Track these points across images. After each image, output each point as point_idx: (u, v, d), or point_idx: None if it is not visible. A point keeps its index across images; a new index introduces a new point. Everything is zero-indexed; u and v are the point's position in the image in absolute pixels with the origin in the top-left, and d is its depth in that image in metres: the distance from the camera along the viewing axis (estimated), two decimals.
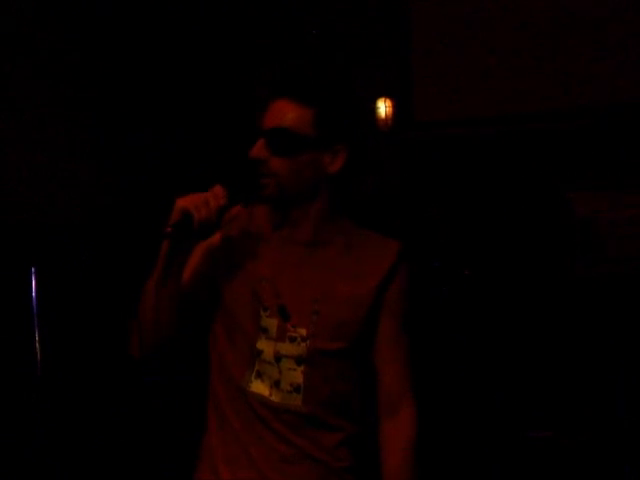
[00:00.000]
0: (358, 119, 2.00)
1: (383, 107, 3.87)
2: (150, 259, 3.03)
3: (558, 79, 3.65)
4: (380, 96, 3.82)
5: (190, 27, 3.75)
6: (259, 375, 1.92)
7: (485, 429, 3.26)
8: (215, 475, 1.94)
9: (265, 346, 1.91)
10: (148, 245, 3.29)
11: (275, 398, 1.91)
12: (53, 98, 3.49)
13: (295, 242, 1.94)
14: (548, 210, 3.50)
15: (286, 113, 1.88)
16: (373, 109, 3.85)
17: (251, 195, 1.91)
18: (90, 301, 3.40)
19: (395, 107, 3.82)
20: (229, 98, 3.77)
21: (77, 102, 3.54)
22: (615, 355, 3.29)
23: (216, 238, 1.95)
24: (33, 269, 3.07)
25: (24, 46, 3.37)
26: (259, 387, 1.92)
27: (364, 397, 1.96)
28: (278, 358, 1.91)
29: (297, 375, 1.92)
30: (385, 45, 3.78)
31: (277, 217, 1.95)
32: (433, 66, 3.76)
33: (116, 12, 3.56)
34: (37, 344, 3.09)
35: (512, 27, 3.67)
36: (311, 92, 1.93)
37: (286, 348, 1.91)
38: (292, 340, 1.92)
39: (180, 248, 1.87)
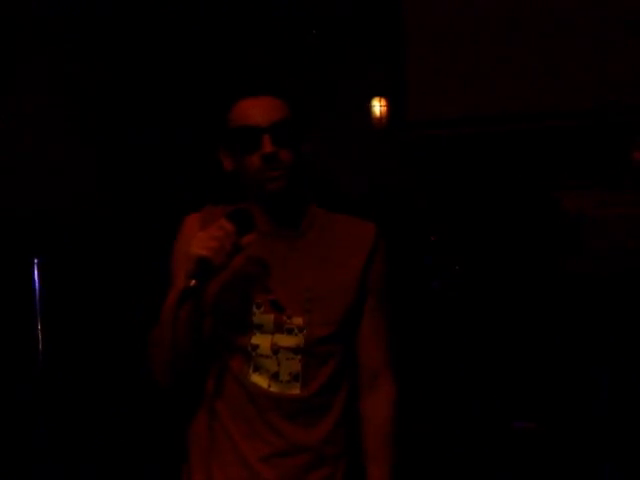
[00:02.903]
0: (311, 106, 2.09)
1: (378, 106, 3.91)
2: (150, 253, 3.10)
3: (547, 81, 3.69)
4: (374, 95, 3.86)
5: (190, 28, 3.78)
6: (257, 369, 1.93)
7: (469, 420, 3.29)
8: (208, 477, 1.95)
9: (261, 340, 1.93)
10: (148, 239, 3.36)
11: (274, 389, 1.92)
12: (54, 96, 3.52)
13: (279, 236, 1.95)
14: (535, 208, 3.54)
15: (278, 108, 1.90)
16: (368, 108, 3.89)
17: (253, 221, 1.85)
18: (92, 292, 3.39)
19: (389, 106, 3.86)
20: (228, 98, 3.79)
21: (79, 100, 3.58)
22: (599, 349, 3.32)
23: None
24: (36, 261, 3.09)
25: (24, 48, 3.40)
26: (258, 380, 1.93)
27: (353, 376, 1.98)
28: (276, 350, 1.93)
29: (295, 364, 1.93)
30: (379, 45, 3.80)
31: (266, 214, 1.93)
32: (426, 67, 3.78)
33: (117, 12, 3.57)
34: (39, 335, 3.11)
35: (504, 28, 3.72)
36: (283, 87, 1.96)
37: (284, 340, 1.92)
38: (289, 332, 1.94)
39: (201, 291, 1.81)
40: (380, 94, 3.88)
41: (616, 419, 3.21)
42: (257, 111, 1.91)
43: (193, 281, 1.73)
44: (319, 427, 1.96)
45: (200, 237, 1.79)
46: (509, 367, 3.37)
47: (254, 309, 1.93)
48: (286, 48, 3.74)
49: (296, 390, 1.94)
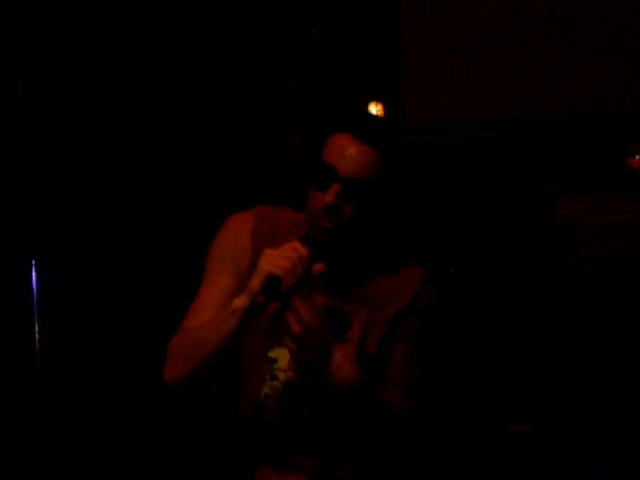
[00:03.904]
0: (404, 162, 1.97)
1: (374, 111, 3.92)
2: (149, 253, 3.09)
3: (544, 87, 3.69)
4: (371, 100, 3.87)
5: (189, 29, 3.78)
6: (272, 380, 1.92)
7: (464, 422, 3.30)
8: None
9: (279, 354, 1.91)
10: (147, 239, 3.37)
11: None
12: (53, 94, 3.51)
13: (324, 281, 1.87)
14: (531, 213, 3.56)
15: (368, 163, 1.80)
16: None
17: (326, 251, 1.78)
18: (90, 293, 3.38)
19: (386, 111, 3.86)
20: (227, 99, 3.80)
21: (79, 99, 3.57)
22: (594, 352, 3.33)
23: None
24: (34, 261, 3.09)
25: (24, 48, 3.40)
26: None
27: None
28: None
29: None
30: (376, 49, 3.80)
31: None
32: (424, 72, 3.78)
33: (117, 13, 3.57)
34: (37, 336, 3.11)
35: (502, 32, 3.71)
36: (387, 143, 1.85)
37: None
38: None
39: (260, 312, 1.76)
40: (378, 99, 3.88)
41: (613, 423, 3.23)
42: (344, 155, 1.81)
43: (261, 297, 1.68)
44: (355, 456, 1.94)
45: (272, 254, 1.73)
46: (504, 370, 3.39)
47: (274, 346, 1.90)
48: (285, 49, 3.73)
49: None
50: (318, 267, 1.77)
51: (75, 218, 3.39)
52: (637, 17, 3.59)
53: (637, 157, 3.53)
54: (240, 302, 1.72)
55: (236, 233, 1.93)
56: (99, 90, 3.58)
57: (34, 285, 3.09)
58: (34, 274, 3.09)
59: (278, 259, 1.70)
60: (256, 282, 1.69)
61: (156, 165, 3.63)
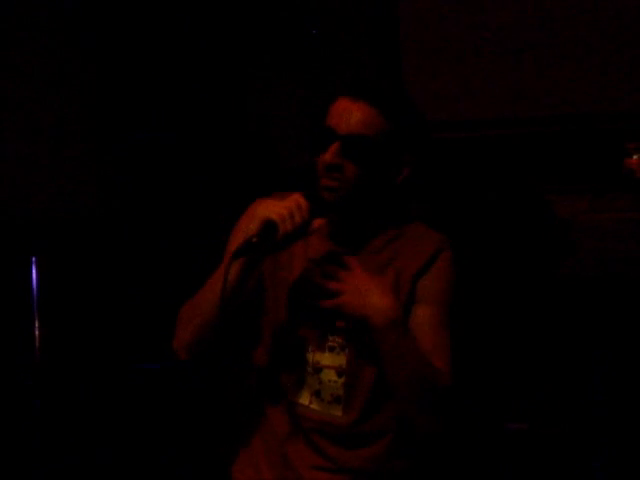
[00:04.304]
0: (424, 131, 2.00)
1: None
2: (148, 251, 3.10)
3: (542, 86, 3.70)
4: None
5: (185, 27, 3.78)
6: (303, 385, 1.90)
7: (461, 420, 3.31)
8: (258, 473, 1.93)
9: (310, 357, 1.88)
10: (147, 237, 3.37)
11: (315, 407, 1.89)
12: (53, 93, 3.53)
13: (346, 253, 1.88)
14: (528, 211, 3.56)
15: (365, 119, 1.80)
16: None
17: (326, 209, 1.79)
18: (90, 291, 3.38)
19: None
20: (225, 97, 3.80)
21: (79, 98, 3.59)
22: (590, 351, 3.34)
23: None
24: (33, 259, 3.09)
25: (24, 47, 3.41)
26: (302, 397, 1.90)
27: None
28: (318, 369, 1.89)
29: (337, 386, 1.87)
30: (373, 48, 3.80)
31: (329, 227, 1.88)
32: (422, 70, 3.79)
33: (114, 12, 3.57)
34: (36, 334, 3.11)
35: (499, 32, 3.72)
36: (388, 101, 1.84)
37: (325, 358, 1.88)
38: (331, 350, 1.89)
39: (257, 260, 1.75)
40: None
41: (609, 421, 3.24)
42: (342, 115, 1.82)
43: (255, 238, 1.68)
44: (362, 452, 1.92)
45: (270, 202, 1.75)
46: (501, 368, 3.39)
47: (302, 318, 1.87)
48: (284, 49, 3.73)
49: (338, 412, 1.89)
50: (318, 221, 1.79)
51: (75, 216, 3.40)
52: (632, 16, 3.59)
53: (634, 157, 3.53)
54: (234, 246, 1.72)
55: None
56: (99, 90, 3.60)
57: (34, 283, 3.09)
58: (34, 272, 3.09)
59: (276, 206, 1.72)
60: (253, 225, 1.70)
61: (155, 164, 3.64)
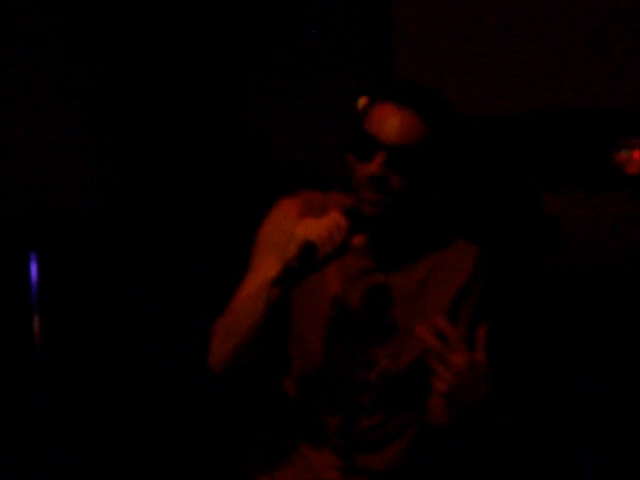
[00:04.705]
0: (464, 138, 1.94)
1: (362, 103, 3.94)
2: (148, 246, 3.09)
3: (535, 81, 3.72)
4: (361, 95, 3.89)
5: (185, 27, 3.79)
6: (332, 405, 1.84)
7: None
8: (271, 477, 1.91)
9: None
10: (147, 232, 3.37)
11: (339, 414, 1.84)
12: (53, 89, 3.54)
13: (378, 270, 1.82)
14: (518, 206, 3.59)
15: (413, 130, 1.72)
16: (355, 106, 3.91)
17: (366, 224, 1.71)
18: (90, 286, 3.37)
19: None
20: (225, 97, 3.81)
21: (79, 94, 3.60)
22: (580, 345, 3.38)
23: None
24: (33, 254, 3.09)
25: (24, 47, 3.44)
26: (328, 416, 1.85)
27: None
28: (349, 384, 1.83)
29: (364, 398, 1.84)
30: (367, 48, 3.83)
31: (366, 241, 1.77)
32: (416, 66, 3.80)
33: (115, 11, 3.57)
34: (36, 328, 3.11)
35: (494, 30, 3.74)
36: (433, 108, 1.77)
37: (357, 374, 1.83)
38: (362, 365, 1.83)
39: (295, 283, 1.69)
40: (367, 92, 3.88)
41: (599, 415, 3.27)
42: (388, 123, 1.72)
43: (294, 262, 1.62)
44: (385, 453, 1.90)
45: (309, 223, 1.67)
46: (491, 363, 3.42)
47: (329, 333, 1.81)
48: (282, 49, 3.74)
49: (362, 418, 1.87)
50: (358, 239, 1.71)
51: (74, 211, 3.39)
52: (626, 13, 3.61)
53: (623, 152, 3.55)
54: (274, 270, 1.66)
55: (282, 218, 1.84)
56: (98, 88, 3.61)
57: (33, 278, 3.09)
58: (33, 267, 3.08)
59: (315, 227, 1.65)
60: (291, 248, 1.64)
61: (154, 160, 3.65)
